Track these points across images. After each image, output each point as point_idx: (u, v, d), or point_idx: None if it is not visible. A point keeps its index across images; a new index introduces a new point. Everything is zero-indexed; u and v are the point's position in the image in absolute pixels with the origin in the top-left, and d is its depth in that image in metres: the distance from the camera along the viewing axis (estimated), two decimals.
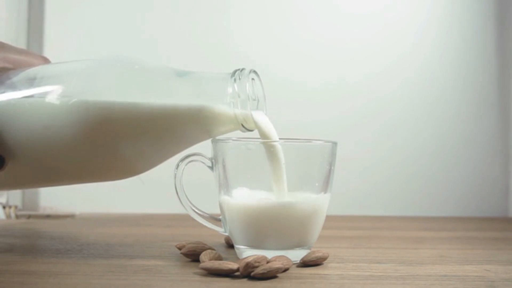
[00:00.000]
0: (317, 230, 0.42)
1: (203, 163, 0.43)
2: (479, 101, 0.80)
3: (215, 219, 0.44)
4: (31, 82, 0.41)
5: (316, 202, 0.41)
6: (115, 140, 0.39)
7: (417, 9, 0.80)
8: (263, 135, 0.41)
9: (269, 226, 0.40)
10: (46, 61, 0.46)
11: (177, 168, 0.43)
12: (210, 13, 0.79)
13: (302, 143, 0.42)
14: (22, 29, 0.76)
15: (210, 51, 0.78)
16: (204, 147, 0.44)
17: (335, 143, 0.43)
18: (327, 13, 0.80)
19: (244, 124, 0.41)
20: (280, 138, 0.41)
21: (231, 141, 0.42)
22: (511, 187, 0.79)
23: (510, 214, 0.79)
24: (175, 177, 0.43)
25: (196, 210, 0.44)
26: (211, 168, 0.43)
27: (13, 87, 0.41)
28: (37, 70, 0.42)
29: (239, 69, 0.41)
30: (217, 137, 0.43)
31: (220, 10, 0.79)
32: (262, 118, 0.41)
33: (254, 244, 0.41)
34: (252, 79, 0.42)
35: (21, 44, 0.75)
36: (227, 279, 0.36)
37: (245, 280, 0.36)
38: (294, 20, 0.80)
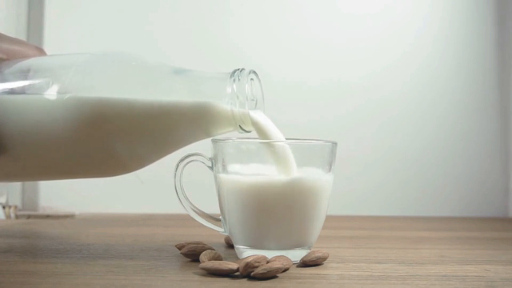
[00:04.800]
0: (319, 219, 0.42)
1: (203, 163, 0.43)
2: (479, 101, 0.80)
3: (215, 219, 0.44)
4: (25, 75, 0.40)
5: (322, 179, 0.41)
6: (109, 137, 0.39)
7: (417, 9, 0.80)
8: (262, 134, 0.41)
9: (274, 202, 0.40)
10: (41, 52, 0.45)
11: (176, 168, 0.43)
12: (210, 13, 0.79)
13: (302, 143, 0.42)
14: (22, 28, 0.76)
15: (209, 51, 0.78)
16: (204, 147, 0.44)
17: (335, 143, 0.43)
18: (326, 13, 0.80)
19: (241, 125, 0.41)
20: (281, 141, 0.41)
21: (231, 141, 0.42)
22: (511, 187, 0.79)
23: (510, 214, 0.79)
24: (174, 177, 0.43)
25: (196, 210, 0.44)
26: (211, 168, 0.43)
27: (6, 80, 0.41)
28: (32, 62, 0.42)
29: (238, 69, 0.41)
30: (217, 137, 0.43)
31: (219, 10, 0.79)
32: (260, 117, 0.41)
33: (253, 242, 0.41)
34: (251, 79, 0.42)
35: None
36: (227, 279, 0.36)
37: (245, 280, 0.36)
38: (294, 20, 0.80)
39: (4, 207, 0.73)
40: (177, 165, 0.43)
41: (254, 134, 0.42)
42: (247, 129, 0.41)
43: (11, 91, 0.40)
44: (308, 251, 0.42)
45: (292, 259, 0.40)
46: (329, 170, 0.42)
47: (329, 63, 0.79)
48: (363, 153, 0.78)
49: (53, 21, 0.77)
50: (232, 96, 0.40)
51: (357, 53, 0.79)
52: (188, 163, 0.43)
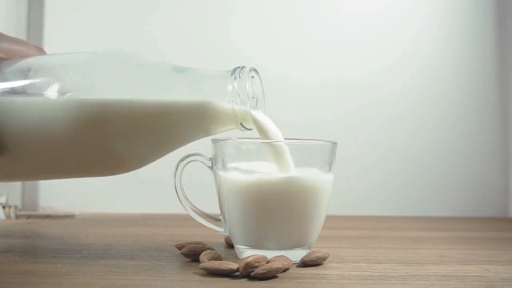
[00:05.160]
0: (319, 219, 0.42)
1: (203, 163, 0.43)
2: (479, 101, 0.80)
3: (215, 219, 0.44)
4: (26, 74, 0.40)
5: (322, 178, 0.41)
6: (110, 137, 0.39)
7: (417, 9, 0.80)
8: (263, 133, 0.41)
9: (274, 201, 0.40)
10: (41, 51, 0.44)
11: (176, 168, 0.43)
12: (210, 13, 0.79)
13: (302, 143, 0.42)
14: (22, 28, 0.76)
15: (209, 51, 0.78)
16: (204, 147, 0.44)
17: (335, 143, 0.43)
18: (327, 13, 0.80)
19: (243, 123, 0.41)
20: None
21: (231, 141, 0.42)
22: (511, 187, 0.79)
23: (510, 214, 0.79)
24: (174, 177, 0.43)
25: (196, 210, 0.44)
26: (211, 168, 0.43)
27: (6, 79, 0.41)
28: (32, 61, 0.42)
29: (239, 67, 0.41)
30: (217, 137, 0.43)
31: (220, 10, 0.79)
32: (261, 117, 0.41)
33: (253, 242, 0.41)
34: (252, 77, 0.42)
35: None
36: (227, 279, 0.36)
37: (245, 280, 0.36)
38: (294, 20, 0.79)
39: (4, 207, 0.73)
40: (177, 165, 0.43)
41: (253, 133, 0.42)
42: (248, 127, 0.41)
43: (12, 91, 0.40)
44: (308, 251, 0.42)
45: (292, 259, 0.40)
46: (329, 170, 0.42)
47: (329, 63, 0.79)
48: (363, 153, 0.78)
49: (53, 21, 0.77)
50: (233, 94, 0.40)
51: (357, 53, 0.79)
52: (188, 163, 0.43)
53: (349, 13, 0.80)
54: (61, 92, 0.39)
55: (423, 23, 0.80)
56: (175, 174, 0.43)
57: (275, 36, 0.79)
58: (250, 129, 0.42)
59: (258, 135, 0.42)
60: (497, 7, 0.80)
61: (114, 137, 0.39)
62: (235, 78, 0.40)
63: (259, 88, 0.43)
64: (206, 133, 0.42)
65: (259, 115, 0.41)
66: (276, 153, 0.40)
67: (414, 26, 0.80)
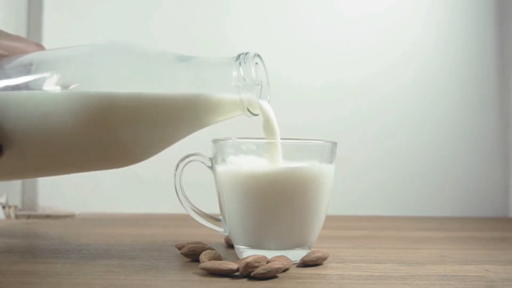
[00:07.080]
0: (319, 215, 0.42)
1: (203, 163, 0.43)
2: (479, 101, 0.80)
3: (215, 219, 0.44)
4: (28, 69, 0.40)
5: (321, 171, 0.41)
6: (114, 129, 0.39)
7: (417, 10, 0.80)
8: (267, 122, 0.41)
9: (274, 192, 0.40)
10: (40, 48, 0.44)
11: (176, 168, 0.43)
12: (209, 14, 0.79)
13: (302, 143, 0.42)
14: (21, 26, 0.76)
15: (209, 53, 0.77)
16: (204, 147, 0.44)
17: (335, 143, 0.42)
18: (327, 14, 0.80)
19: (249, 109, 0.41)
20: (280, 138, 0.41)
21: (231, 140, 0.42)
22: (511, 187, 0.79)
23: (510, 214, 0.79)
24: (174, 177, 0.43)
25: (196, 210, 0.44)
26: (211, 168, 0.43)
27: (8, 75, 0.40)
28: (33, 56, 0.42)
29: (243, 53, 0.41)
30: (217, 137, 0.43)
31: (218, 11, 0.79)
32: (267, 106, 0.41)
33: (253, 242, 0.41)
34: (256, 63, 0.42)
35: None
36: (227, 279, 0.36)
37: (245, 280, 0.36)
38: (294, 21, 0.80)
39: (4, 207, 0.73)
40: (177, 165, 0.43)
41: (253, 133, 0.42)
42: (255, 112, 0.41)
43: (14, 87, 0.40)
44: (308, 251, 0.42)
45: (292, 259, 0.40)
46: (330, 163, 0.42)
47: (329, 63, 0.79)
48: (363, 153, 0.78)
49: (52, 18, 0.77)
50: (239, 79, 0.40)
51: (357, 53, 0.79)
52: (188, 163, 0.43)
53: (349, 13, 0.80)
54: (64, 85, 0.38)
55: (423, 24, 0.80)
56: (175, 174, 0.43)
57: (275, 37, 0.79)
58: (257, 115, 0.41)
59: (256, 134, 0.42)
60: (497, 7, 0.80)
61: (119, 129, 0.39)
62: (239, 63, 0.40)
63: (263, 74, 0.43)
64: (213, 121, 0.42)
65: (265, 105, 0.41)
66: (270, 149, 0.40)
67: (414, 27, 0.80)
